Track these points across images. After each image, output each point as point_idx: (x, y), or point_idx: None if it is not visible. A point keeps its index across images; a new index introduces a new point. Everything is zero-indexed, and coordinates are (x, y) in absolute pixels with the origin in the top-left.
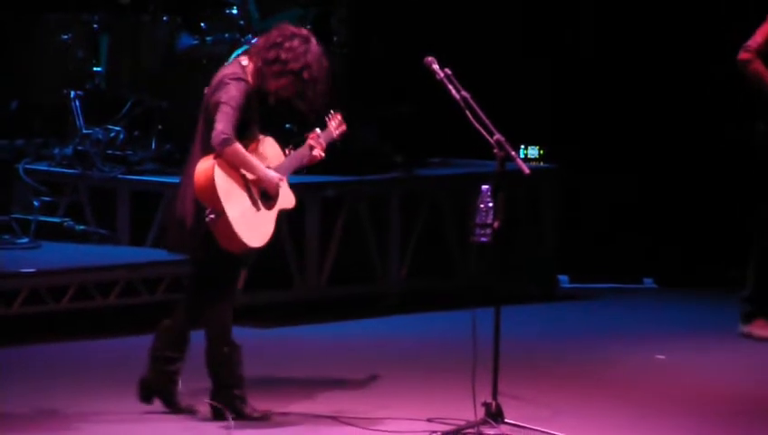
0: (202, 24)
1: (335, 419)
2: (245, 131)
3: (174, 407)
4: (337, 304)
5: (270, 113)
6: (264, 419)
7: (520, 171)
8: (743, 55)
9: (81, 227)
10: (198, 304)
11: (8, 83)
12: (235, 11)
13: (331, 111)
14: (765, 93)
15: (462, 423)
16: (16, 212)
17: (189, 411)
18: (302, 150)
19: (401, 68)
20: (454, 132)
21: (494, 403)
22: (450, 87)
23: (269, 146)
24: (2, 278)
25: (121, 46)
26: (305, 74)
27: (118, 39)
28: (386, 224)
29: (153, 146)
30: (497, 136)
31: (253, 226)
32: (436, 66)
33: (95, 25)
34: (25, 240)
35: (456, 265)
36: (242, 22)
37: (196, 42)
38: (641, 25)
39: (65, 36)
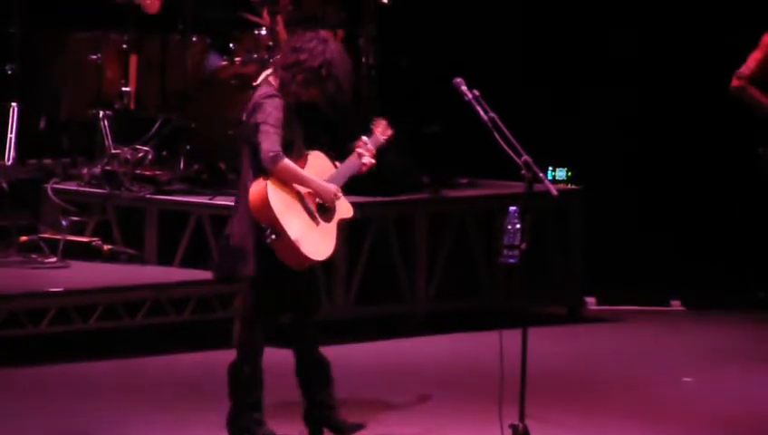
0: (230, 45)
1: None
2: (290, 149)
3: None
4: (364, 324)
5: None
6: None
7: (548, 193)
8: (735, 83)
9: (109, 247)
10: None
11: (37, 102)
12: (263, 31)
13: (375, 119)
14: (762, 118)
15: None
16: (44, 231)
17: None
18: (352, 159)
19: (429, 88)
20: (482, 153)
21: (521, 425)
22: (478, 108)
23: (317, 159)
24: (30, 297)
25: (150, 66)
26: (323, 71)
27: (147, 59)
28: (413, 244)
29: (181, 166)
30: (525, 157)
31: (314, 240)
32: (464, 87)
33: (124, 45)
34: (53, 259)
35: (484, 286)
36: (270, 42)
37: (224, 62)
38: (670, 45)
39: (94, 56)
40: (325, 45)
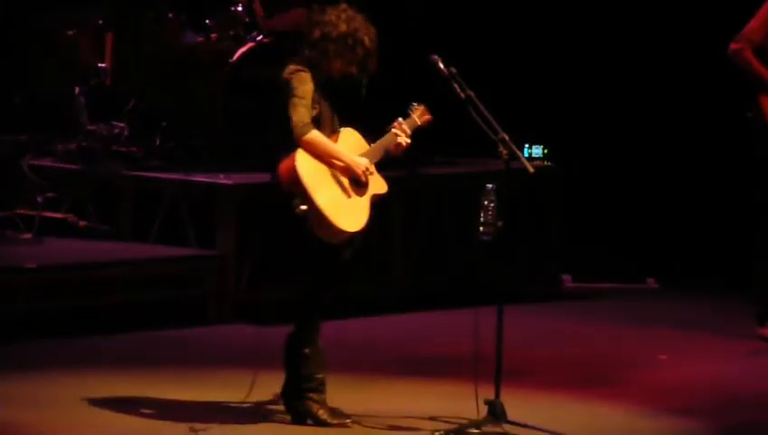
0: (206, 21)
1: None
2: (319, 124)
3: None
4: (339, 302)
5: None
6: (341, 425)
7: (524, 170)
8: (735, 45)
9: (85, 223)
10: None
11: (12, 78)
12: (240, 8)
13: (414, 104)
14: (754, 83)
15: (465, 422)
16: (20, 208)
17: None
18: (387, 138)
19: (407, 65)
20: (458, 131)
21: (496, 402)
22: (455, 85)
23: (350, 135)
24: (4, 274)
25: (126, 43)
26: (350, 40)
27: (122, 35)
28: (388, 222)
29: (157, 142)
30: (501, 135)
31: (345, 211)
32: (441, 64)
33: (100, 21)
34: (28, 236)
35: (460, 263)
36: (247, 19)
37: (200, 39)
38: (650, 25)
39: (70, 32)
40: (346, 14)
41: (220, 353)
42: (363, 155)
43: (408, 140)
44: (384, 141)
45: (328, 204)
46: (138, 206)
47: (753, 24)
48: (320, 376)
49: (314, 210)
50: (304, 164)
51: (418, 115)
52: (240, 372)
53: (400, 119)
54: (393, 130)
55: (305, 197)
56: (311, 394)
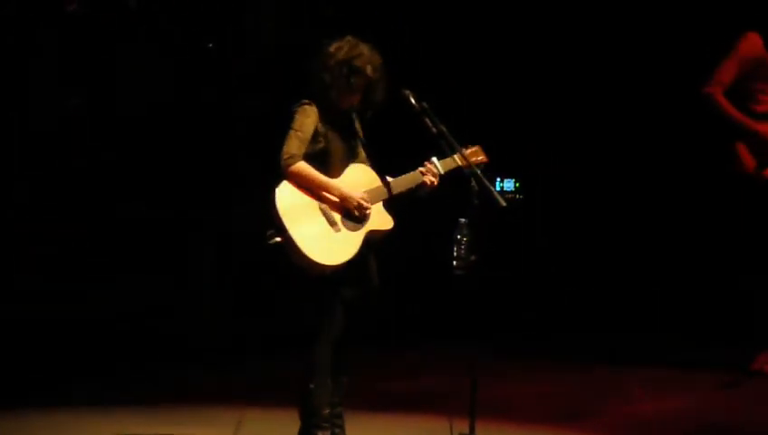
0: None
1: None
2: (325, 159)
3: None
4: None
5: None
6: None
7: (496, 204)
8: (707, 88)
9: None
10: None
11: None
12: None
13: (468, 145)
14: (727, 128)
15: None
16: None
17: None
18: (408, 177)
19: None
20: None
21: None
22: (427, 120)
23: (357, 171)
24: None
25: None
26: (344, 69)
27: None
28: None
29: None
30: (473, 168)
31: (324, 245)
32: (412, 99)
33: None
34: None
35: (433, 297)
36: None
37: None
38: (632, 58)
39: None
40: (348, 44)
41: (197, 386)
42: (370, 192)
43: (435, 180)
44: (403, 179)
45: (304, 236)
46: (115, 238)
47: (725, 66)
48: (325, 412)
49: (288, 242)
50: (285, 196)
51: (461, 157)
52: (218, 405)
53: (434, 158)
54: (420, 168)
55: (281, 228)
56: (315, 431)
